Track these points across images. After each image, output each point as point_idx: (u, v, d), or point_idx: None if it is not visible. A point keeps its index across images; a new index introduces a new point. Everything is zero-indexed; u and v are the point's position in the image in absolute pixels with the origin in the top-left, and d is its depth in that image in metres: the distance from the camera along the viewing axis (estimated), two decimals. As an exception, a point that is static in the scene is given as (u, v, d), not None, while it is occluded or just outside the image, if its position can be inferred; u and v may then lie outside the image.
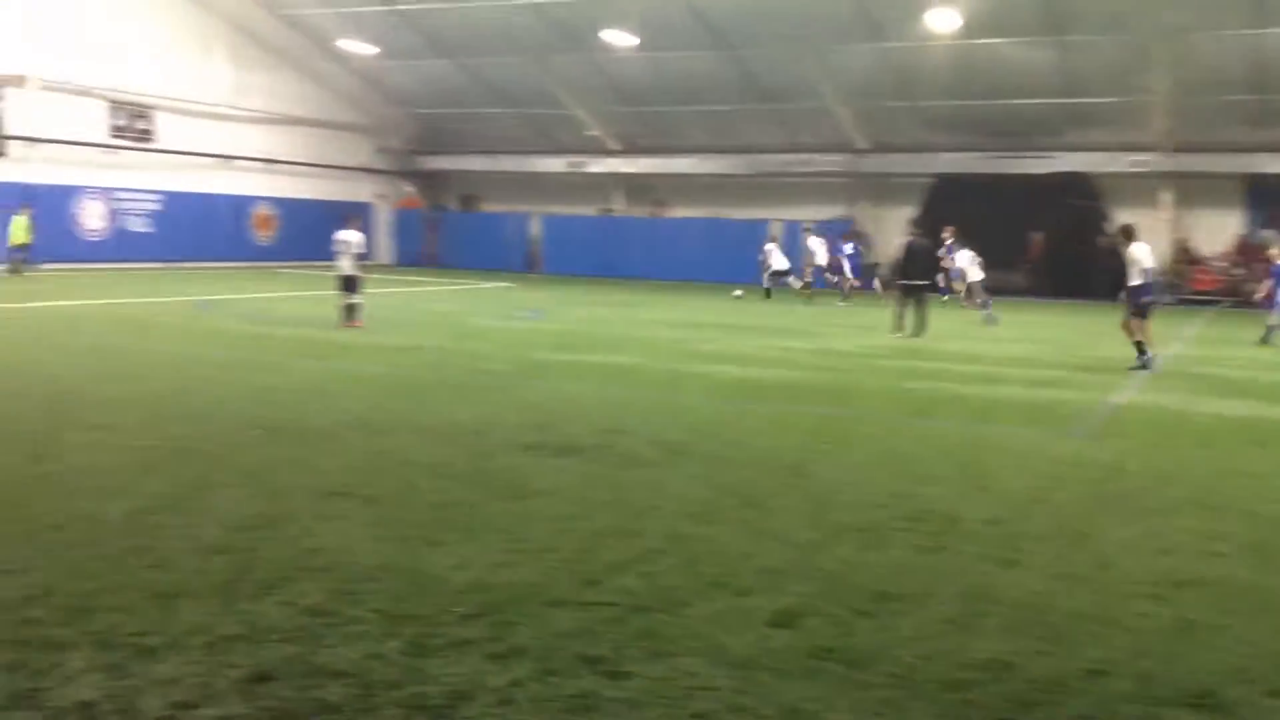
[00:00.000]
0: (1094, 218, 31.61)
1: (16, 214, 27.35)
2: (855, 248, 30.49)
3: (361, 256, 17.80)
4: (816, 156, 34.96)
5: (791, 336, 18.32)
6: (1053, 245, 32.45)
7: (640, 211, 39.92)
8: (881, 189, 35.47)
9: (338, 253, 17.74)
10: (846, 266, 28.89)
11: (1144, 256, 14.25)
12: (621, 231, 38.98)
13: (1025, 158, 32.12)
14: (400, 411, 9.90)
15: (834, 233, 30.91)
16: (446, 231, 41.70)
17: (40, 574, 5.09)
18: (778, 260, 28.18)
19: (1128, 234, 14.63)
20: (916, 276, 18.80)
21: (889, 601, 5.13)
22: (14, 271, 26.55)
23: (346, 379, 11.89)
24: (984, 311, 22.14)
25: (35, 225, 27.52)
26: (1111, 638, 4.76)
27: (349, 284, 17.45)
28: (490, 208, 42.10)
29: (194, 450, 7.91)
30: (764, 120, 34.81)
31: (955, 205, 29.36)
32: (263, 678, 4.04)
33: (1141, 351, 14.21)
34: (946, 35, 27.96)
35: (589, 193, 39.75)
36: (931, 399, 11.73)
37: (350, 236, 17.72)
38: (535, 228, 40.17)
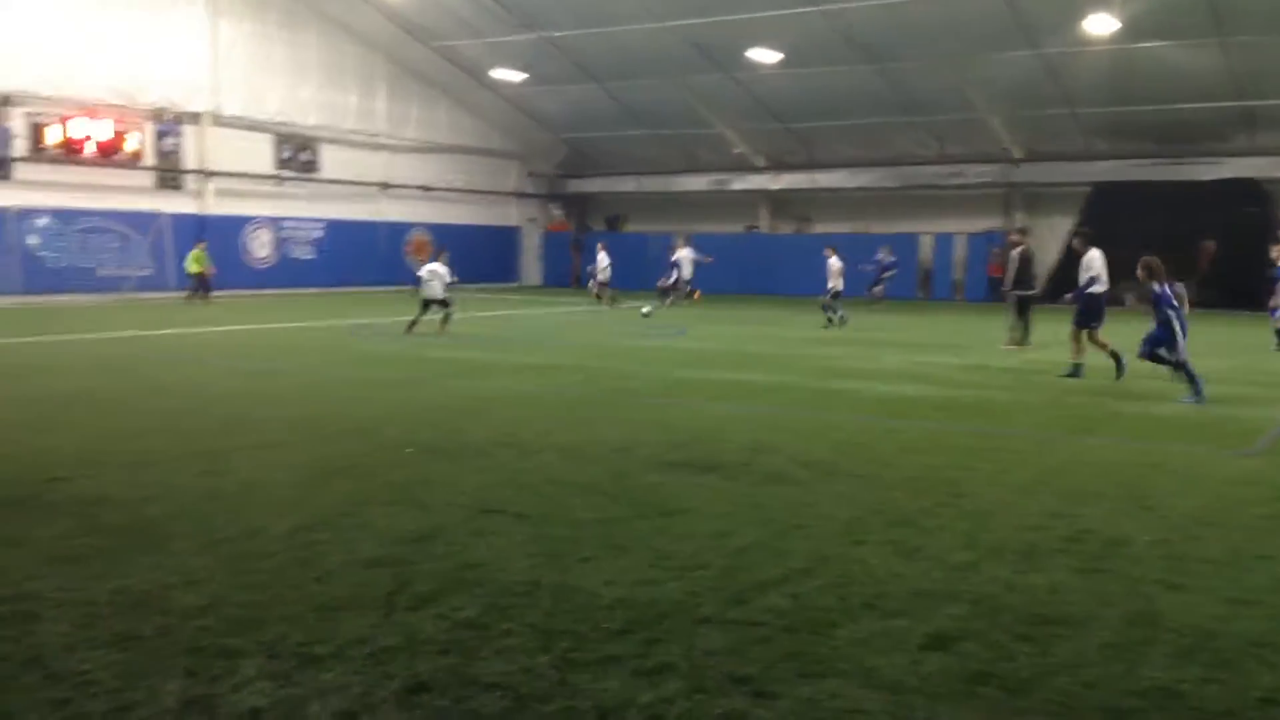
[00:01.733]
0: (1265, 225, 29.97)
1: (194, 248, 28.90)
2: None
3: (450, 284, 20.96)
4: (968, 167, 34.19)
5: (941, 352, 17.92)
6: (1222, 255, 30.87)
7: (785, 228, 39.72)
8: (1036, 199, 34.43)
9: (427, 281, 20.64)
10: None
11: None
12: (766, 248, 38.86)
13: (1189, 164, 30.71)
14: (546, 429, 10.07)
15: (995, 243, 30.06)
16: (592, 253, 42.30)
17: (213, 585, 5.36)
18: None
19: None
20: (1029, 286, 18.31)
21: (1048, 625, 4.95)
22: (190, 300, 28.07)
23: (494, 398, 12.16)
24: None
25: (210, 258, 28.95)
26: (1291, 668, 4.50)
27: (441, 303, 20.60)
28: (635, 228, 42.54)
29: (351, 468, 8.22)
30: (913, 132, 34.27)
31: (1115, 215, 28.26)
32: (420, 688, 4.17)
33: None
34: (1104, 39, 27.00)
35: (733, 210, 39.78)
36: (1090, 416, 11.30)
37: (438, 269, 20.75)
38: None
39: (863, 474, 8.29)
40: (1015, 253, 18.82)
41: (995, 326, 23.88)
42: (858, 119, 34.13)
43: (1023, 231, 19.89)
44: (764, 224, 39.87)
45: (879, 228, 36.32)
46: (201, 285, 28.34)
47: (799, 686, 4.25)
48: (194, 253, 28.79)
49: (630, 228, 42.93)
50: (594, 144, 40.44)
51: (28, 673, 4.23)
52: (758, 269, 37.84)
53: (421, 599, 5.20)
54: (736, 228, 40.01)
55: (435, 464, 8.49)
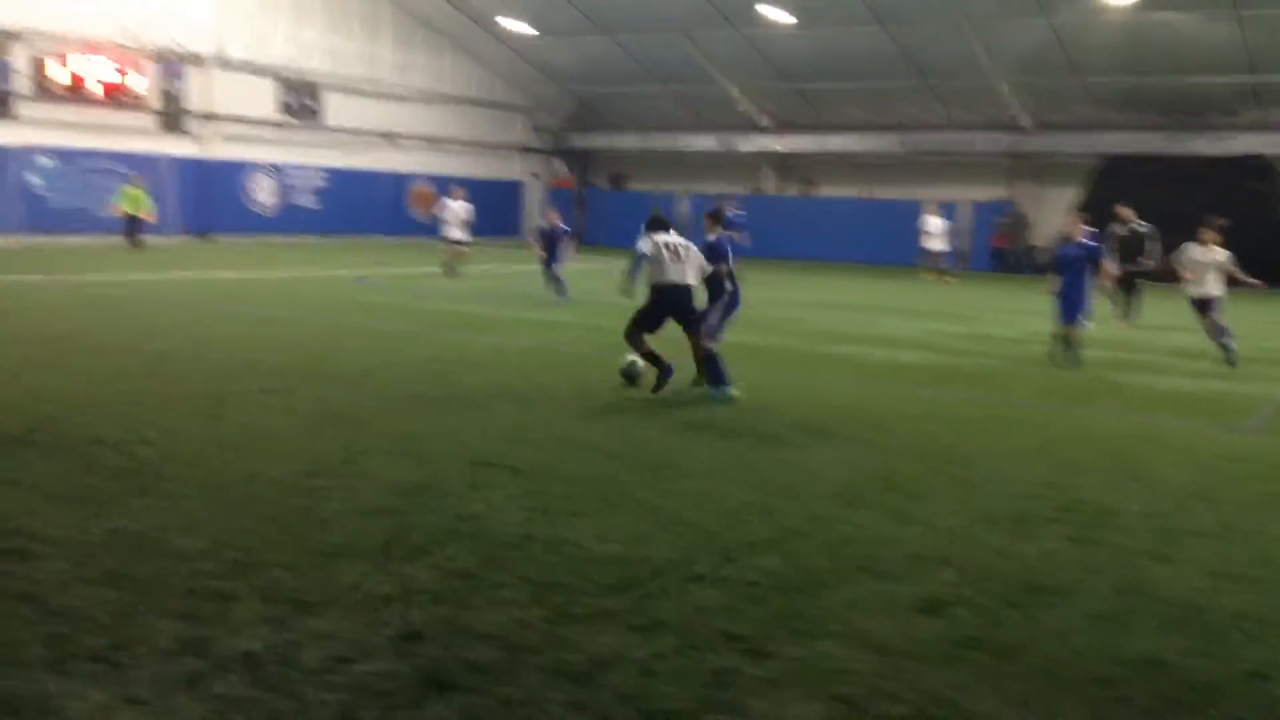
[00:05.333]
0: (1273, 202, 29.83)
1: (125, 184, 26.79)
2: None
3: (469, 225, 22.30)
4: (977, 135, 33.91)
5: (942, 320, 17.90)
6: (1231, 232, 30.70)
7: (790, 191, 39.52)
8: (1044, 170, 34.22)
9: (445, 221, 21.86)
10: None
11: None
12: (770, 211, 38.66)
13: (1200, 138, 30.47)
14: (545, 384, 10.09)
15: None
16: (594, 210, 42.14)
17: (211, 529, 5.39)
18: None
19: None
20: (1133, 263, 18.13)
21: (1038, 593, 4.99)
22: (130, 243, 25.97)
23: (494, 352, 12.17)
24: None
25: (149, 199, 26.84)
26: (1274, 640, 4.54)
27: (458, 243, 21.93)
28: (639, 187, 42.32)
29: (351, 417, 8.23)
30: (922, 97, 33.97)
31: (1123, 188, 28.12)
32: (414, 636, 4.20)
33: None
34: (1118, 8, 26.73)
35: (738, 171, 39.55)
36: (1089, 388, 11.31)
37: (456, 206, 22.04)
38: (683, 207, 40.23)
39: (858, 438, 8.31)
40: (1127, 229, 18.62)
41: (998, 296, 23.85)
42: (867, 82, 33.81)
43: (1122, 212, 19.20)
44: (769, 186, 39.66)
45: (884, 193, 36.15)
46: (134, 227, 26.21)
47: (791, 646, 4.29)
48: (126, 189, 26.59)
49: (634, 186, 42.72)
50: (601, 99, 40.11)
51: (25, 606, 4.26)
52: (761, 231, 37.64)
53: (417, 549, 5.23)
54: (741, 189, 39.82)
55: (433, 416, 8.51)
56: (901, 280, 26.45)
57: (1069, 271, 12.67)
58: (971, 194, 34.41)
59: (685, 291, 10.02)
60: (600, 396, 9.58)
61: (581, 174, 43.31)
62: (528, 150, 41.55)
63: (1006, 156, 34.11)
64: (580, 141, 42.17)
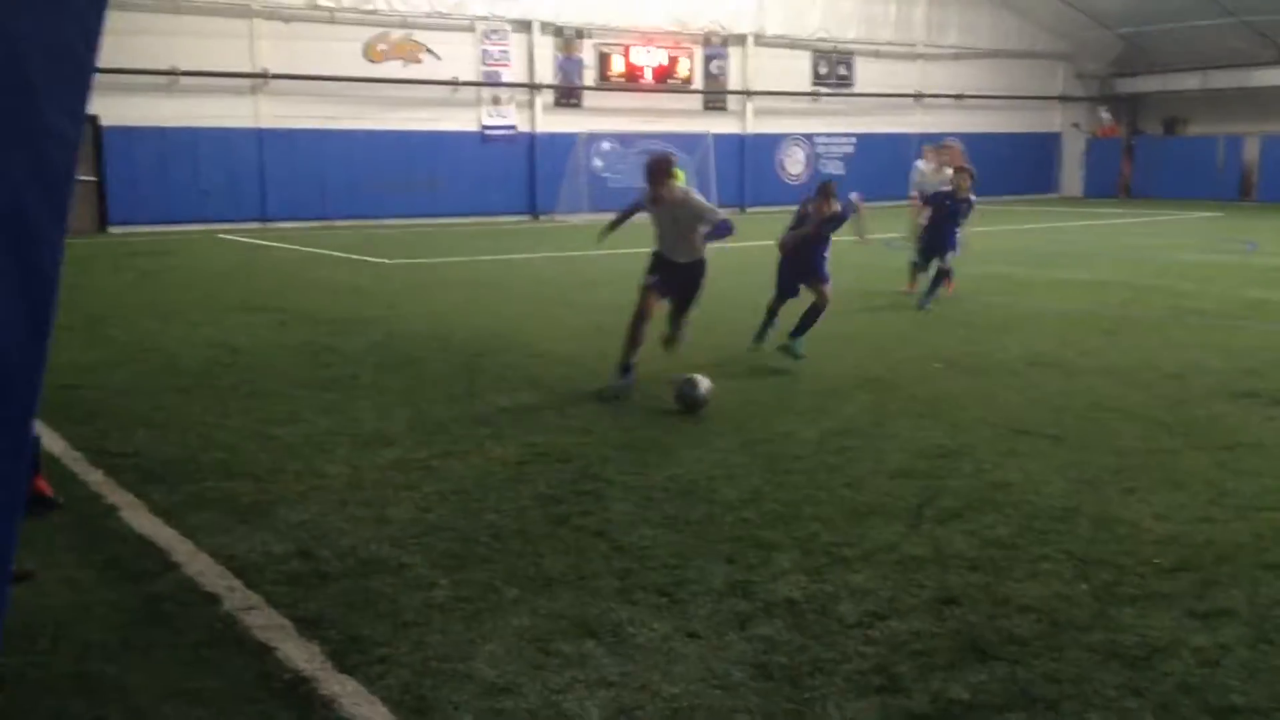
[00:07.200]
0: None
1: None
2: None
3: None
4: None
5: None
6: None
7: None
8: None
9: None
10: None
11: None
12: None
13: None
14: (1089, 350, 9.45)
15: None
16: (1143, 159, 38.61)
17: (751, 480, 5.71)
18: None
19: None
20: None
21: None
22: None
23: (1030, 315, 11.61)
24: None
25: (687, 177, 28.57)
26: None
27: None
28: (1197, 131, 38.10)
29: (879, 380, 8.28)
30: None
31: None
32: (950, 601, 4.15)
33: None
34: None
35: (1321, 108, 34.22)
36: None
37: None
38: (1251, 150, 35.61)
39: None
40: None
41: None
42: None
43: None
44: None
45: None
46: None
47: (1395, 654, 3.68)
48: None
49: (1191, 130, 38.54)
50: (1152, 38, 36.52)
51: (599, 543, 4.80)
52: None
53: (950, 513, 5.16)
54: (1329, 125, 34.42)
55: (965, 381, 8.32)
56: None
57: None
58: None
59: None
60: (1158, 364, 8.81)
61: (1130, 121, 39.87)
62: (1067, 99, 39.03)
63: None
64: (1127, 86, 38.80)
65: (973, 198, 12.67)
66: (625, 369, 7.75)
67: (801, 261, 9.20)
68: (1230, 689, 3.45)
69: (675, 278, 8.05)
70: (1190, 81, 36.97)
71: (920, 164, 15.90)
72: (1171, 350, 9.44)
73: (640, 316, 7.84)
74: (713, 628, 3.91)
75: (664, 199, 7.83)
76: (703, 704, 3.36)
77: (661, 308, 8.13)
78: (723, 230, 7.92)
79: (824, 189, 9.30)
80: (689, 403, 7.15)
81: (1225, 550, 4.65)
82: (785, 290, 9.30)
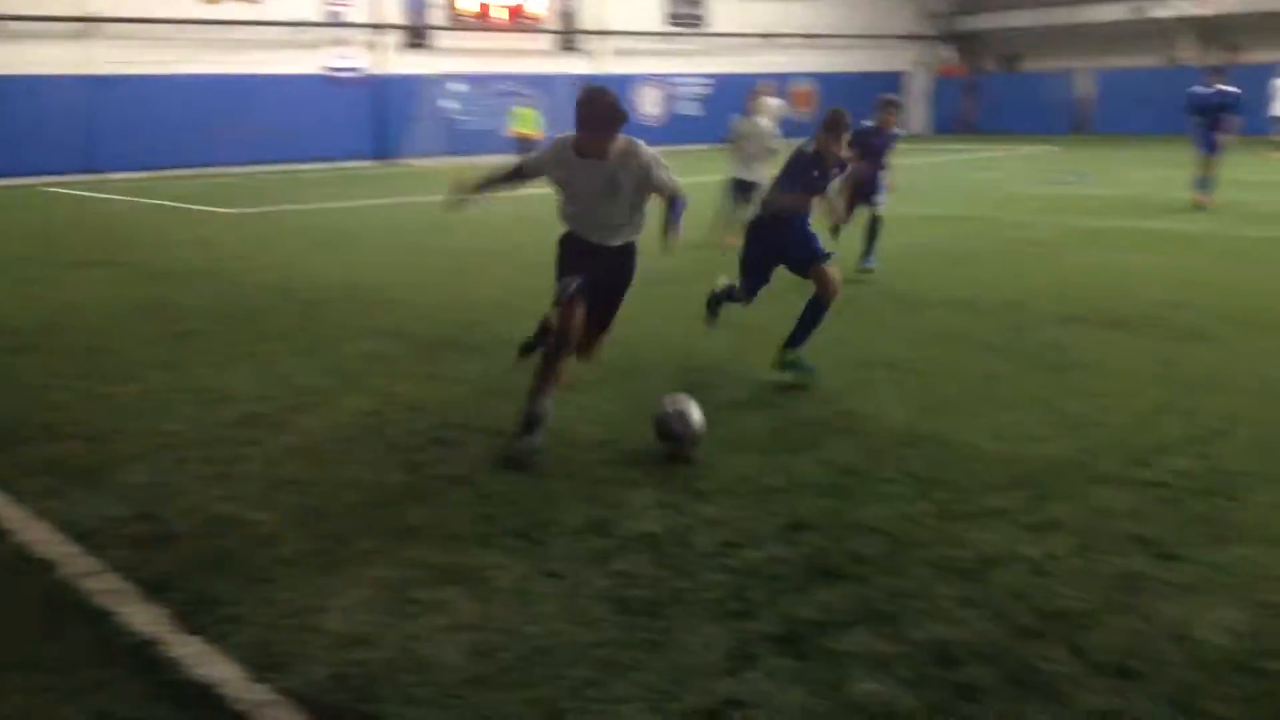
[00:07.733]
0: None
1: (519, 107, 27.21)
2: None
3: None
4: None
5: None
6: None
7: (1213, 59, 35.26)
8: None
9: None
10: None
11: None
12: (1188, 83, 34.76)
13: None
14: (934, 284, 9.77)
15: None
16: (984, 96, 39.89)
17: (612, 421, 5.73)
18: None
19: None
20: None
21: None
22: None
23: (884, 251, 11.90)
24: None
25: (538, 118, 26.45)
26: None
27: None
28: (1033, 67, 39.51)
29: (737, 323, 8.37)
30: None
31: None
32: (801, 526, 4.28)
33: None
34: None
35: (1149, 42, 35.82)
36: None
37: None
38: (1084, 85, 37.11)
39: (1296, 331, 7.40)
40: None
41: None
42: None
43: None
44: (1187, 55, 35.62)
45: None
46: (526, 147, 27.48)
47: (1207, 550, 3.96)
48: (517, 110, 26.38)
49: (1028, 67, 39.91)
50: (992, -24, 37.63)
51: (459, 490, 4.76)
52: (1179, 106, 34.02)
53: (801, 444, 5.30)
54: (1153, 61, 36.07)
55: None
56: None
57: None
58: None
59: None
60: (997, 293, 9.14)
61: (970, 59, 41.07)
62: (911, 38, 39.93)
63: None
64: (968, 24, 39.93)
65: (899, 130, 11.44)
66: (533, 421, 5.20)
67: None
68: (1058, 594, 3.66)
69: (599, 270, 5.39)
70: (1027, 19, 38.26)
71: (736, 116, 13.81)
72: (1010, 280, 9.83)
73: (561, 342, 5.29)
74: (573, 566, 3.94)
75: (605, 154, 5.17)
76: (563, 641, 3.40)
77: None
78: (681, 206, 5.42)
79: (834, 120, 6.60)
80: (676, 440, 5.13)
81: (1056, 466, 4.91)
82: (754, 277, 6.71)
